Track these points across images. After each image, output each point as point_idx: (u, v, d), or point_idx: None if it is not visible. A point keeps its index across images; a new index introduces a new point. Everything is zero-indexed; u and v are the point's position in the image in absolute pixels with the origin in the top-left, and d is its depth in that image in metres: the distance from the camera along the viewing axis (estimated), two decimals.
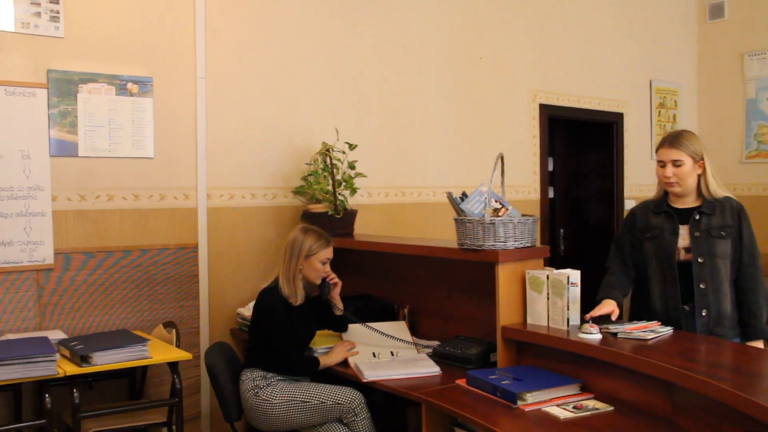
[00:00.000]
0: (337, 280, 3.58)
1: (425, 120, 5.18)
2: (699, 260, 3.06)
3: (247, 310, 4.13)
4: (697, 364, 2.43)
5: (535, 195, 5.97)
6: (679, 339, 2.83)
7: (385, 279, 4.24)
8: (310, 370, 3.33)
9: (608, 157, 6.70)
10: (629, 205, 6.63)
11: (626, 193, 6.71)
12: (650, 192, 6.99)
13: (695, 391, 2.28)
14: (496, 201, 3.27)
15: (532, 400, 2.68)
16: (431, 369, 3.18)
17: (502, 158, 3.30)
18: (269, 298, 3.36)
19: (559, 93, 6.10)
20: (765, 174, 6.91)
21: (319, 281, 3.47)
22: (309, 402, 3.17)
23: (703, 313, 3.06)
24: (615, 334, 2.87)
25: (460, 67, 5.38)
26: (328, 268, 3.48)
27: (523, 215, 3.27)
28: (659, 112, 7.02)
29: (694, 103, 7.42)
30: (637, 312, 3.30)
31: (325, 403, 3.16)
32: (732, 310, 3.09)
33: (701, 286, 3.06)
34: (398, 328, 3.65)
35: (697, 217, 3.10)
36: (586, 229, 6.89)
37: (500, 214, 3.23)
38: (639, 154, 6.84)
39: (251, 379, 3.27)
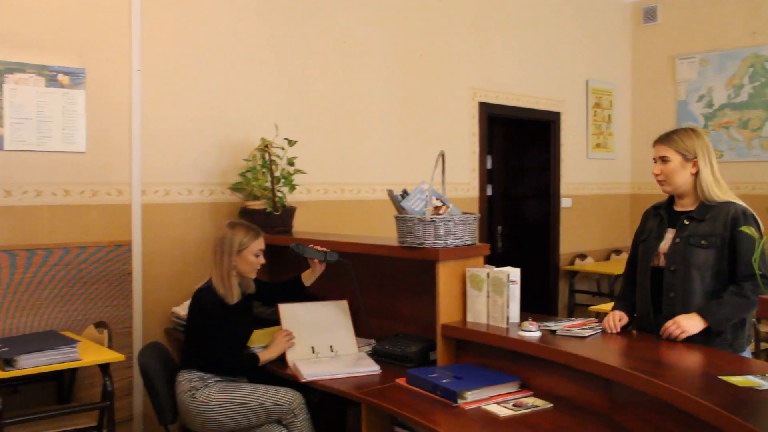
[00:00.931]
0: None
1: (365, 116, 5.15)
2: (671, 268, 2.86)
3: (183, 309, 4.03)
4: (634, 361, 2.47)
5: (474, 192, 6.00)
6: (616, 336, 2.87)
7: (325, 277, 4.19)
8: (250, 369, 3.26)
9: (545, 155, 6.79)
10: (566, 203, 6.75)
11: (563, 191, 6.82)
12: (586, 190, 7.20)
13: (632, 387, 2.31)
14: (436, 199, 3.26)
15: (473, 398, 2.68)
16: (371, 368, 3.15)
17: (443, 156, 3.29)
18: (204, 299, 3.29)
19: (499, 91, 6.15)
20: None
21: (254, 275, 3.41)
22: (248, 404, 3.10)
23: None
24: (554, 332, 2.89)
25: (401, 64, 5.37)
26: (262, 259, 3.41)
27: (464, 213, 3.27)
28: (595, 111, 7.15)
29: (629, 104, 7.58)
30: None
31: (264, 404, 3.10)
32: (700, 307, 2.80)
33: (670, 294, 2.85)
34: (340, 308, 3.63)
35: (686, 222, 2.89)
36: (524, 227, 6.98)
37: (441, 212, 3.22)
38: (575, 152, 6.96)
39: (188, 380, 3.18)
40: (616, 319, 2.96)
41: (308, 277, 3.61)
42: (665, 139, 2.96)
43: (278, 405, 3.11)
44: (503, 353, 2.95)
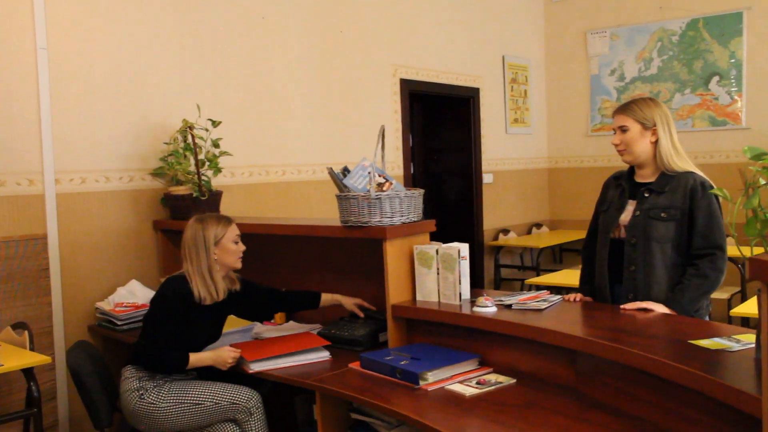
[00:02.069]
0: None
1: (287, 95, 4.96)
2: (632, 241, 2.82)
3: (107, 304, 3.78)
4: (599, 330, 2.43)
5: (399, 171, 5.91)
6: (573, 307, 2.84)
7: (258, 263, 4.01)
8: (176, 368, 2.96)
9: (465, 132, 6.77)
10: (488, 179, 6.76)
11: (484, 167, 6.82)
12: (506, 165, 7.24)
13: (601, 357, 2.27)
14: (380, 175, 3.14)
15: (434, 378, 2.59)
16: (320, 354, 3.01)
17: (383, 131, 3.17)
18: (171, 286, 3.01)
19: (419, 68, 6.07)
20: (608, 146, 7.13)
21: (239, 263, 3.11)
22: (202, 404, 2.88)
23: (629, 297, 2.81)
24: (509, 306, 2.83)
25: (321, 40, 5.20)
26: (242, 245, 3.13)
27: (409, 189, 3.16)
28: (512, 87, 7.18)
29: (543, 79, 7.66)
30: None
31: (220, 404, 2.89)
32: (665, 299, 2.76)
33: (631, 268, 2.82)
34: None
35: (646, 194, 2.85)
36: (445, 205, 6.95)
37: (385, 188, 3.10)
38: (495, 128, 6.97)
39: (136, 378, 2.94)
40: (577, 298, 2.94)
41: (328, 302, 3.33)
42: (624, 108, 2.93)
43: (234, 404, 2.90)
44: (457, 331, 2.88)
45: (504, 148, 7.12)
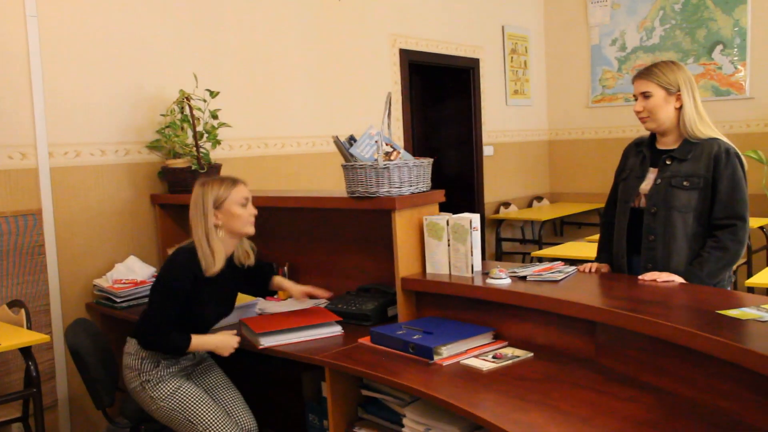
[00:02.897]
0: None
1: (285, 66, 4.83)
2: (652, 210, 2.72)
3: (105, 281, 3.68)
4: (620, 301, 2.34)
5: (399, 142, 5.78)
6: (590, 277, 2.75)
7: (259, 238, 3.91)
8: (176, 350, 2.76)
9: (465, 103, 6.65)
10: (488, 151, 6.66)
11: (484, 139, 6.72)
12: (506, 138, 7.12)
13: (624, 328, 2.19)
14: (387, 144, 3.04)
15: (448, 353, 2.50)
16: (332, 329, 2.91)
17: (390, 99, 3.06)
18: (178, 259, 2.77)
19: (419, 38, 5.93)
20: (610, 117, 7.16)
21: (250, 229, 2.82)
22: (195, 424, 2.72)
23: (648, 267, 2.71)
24: (524, 278, 2.74)
25: (320, 9, 5.06)
26: (253, 208, 2.83)
27: (417, 158, 3.06)
28: (512, 58, 7.05)
29: (543, 50, 7.53)
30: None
31: (209, 429, 2.73)
32: (684, 271, 2.67)
33: (650, 238, 2.73)
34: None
35: (668, 162, 2.74)
36: (445, 178, 6.82)
37: (392, 158, 2.99)
38: (495, 100, 6.86)
39: (138, 358, 2.77)
40: (593, 268, 2.86)
41: (275, 287, 3.14)
42: (646, 73, 2.79)
43: None
44: (469, 304, 2.79)
45: (504, 120, 7.00)
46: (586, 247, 5.01)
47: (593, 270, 2.86)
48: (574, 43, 7.35)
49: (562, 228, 7.47)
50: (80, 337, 2.97)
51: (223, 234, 2.78)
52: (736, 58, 6.50)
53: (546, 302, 2.45)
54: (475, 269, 2.86)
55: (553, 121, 7.59)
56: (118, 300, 3.57)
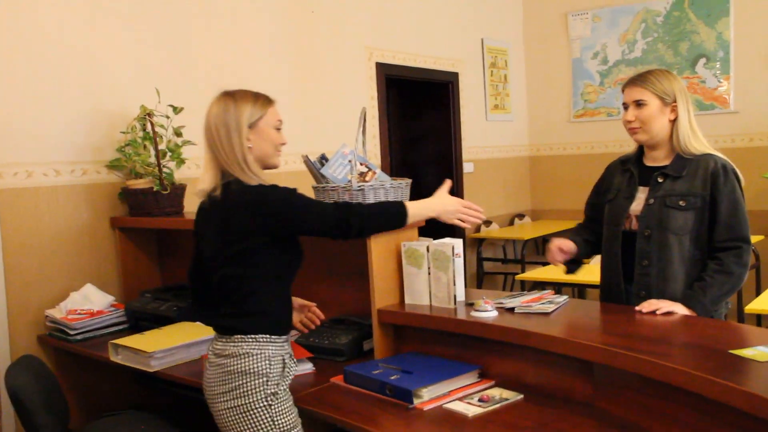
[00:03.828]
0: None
1: (255, 79, 4.56)
2: (645, 233, 2.53)
3: (59, 312, 3.40)
4: (620, 338, 2.11)
5: (376, 160, 5.57)
6: (581, 309, 2.53)
7: None
8: (400, 220, 2.38)
9: (444, 119, 6.45)
10: (468, 168, 6.46)
11: (464, 156, 6.51)
12: (486, 154, 6.92)
13: (626, 370, 1.96)
14: (361, 164, 2.81)
15: (429, 396, 2.26)
16: (302, 367, 2.65)
17: (365, 114, 2.83)
18: (267, 185, 2.24)
19: (396, 51, 5.72)
20: (592, 132, 6.99)
21: (277, 159, 2.38)
22: None
23: (642, 295, 2.52)
24: (511, 309, 2.51)
25: (292, 21, 4.83)
26: (283, 136, 2.41)
27: (394, 179, 2.83)
28: (491, 72, 6.87)
29: (523, 63, 7.35)
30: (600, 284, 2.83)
31: None
32: (683, 296, 2.47)
33: (644, 263, 2.53)
34: None
35: (660, 179, 2.54)
36: (424, 196, 6.59)
37: (368, 178, 2.77)
38: (475, 115, 6.66)
39: (264, 357, 2.16)
40: (555, 250, 2.69)
41: None
42: (640, 80, 2.58)
43: None
44: (452, 338, 2.55)
45: (484, 136, 6.81)
46: None
47: (556, 253, 2.70)
48: (554, 56, 7.19)
49: (544, 247, 7.26)
50: (22, 378, 2.67)
51: (252, 159, 2.28)
52: (719, 72, 6.36)
53: (537, 339, 2.22)
54: (458, 299, 2.63)
55: (534, 136, 7.41)
56: (72, 332, 3.29)
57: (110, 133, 3.74)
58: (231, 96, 2.31)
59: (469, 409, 2.16)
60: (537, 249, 7.25)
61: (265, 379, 2.16)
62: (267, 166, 2.35)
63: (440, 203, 2.51)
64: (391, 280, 2.74)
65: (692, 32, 6.46)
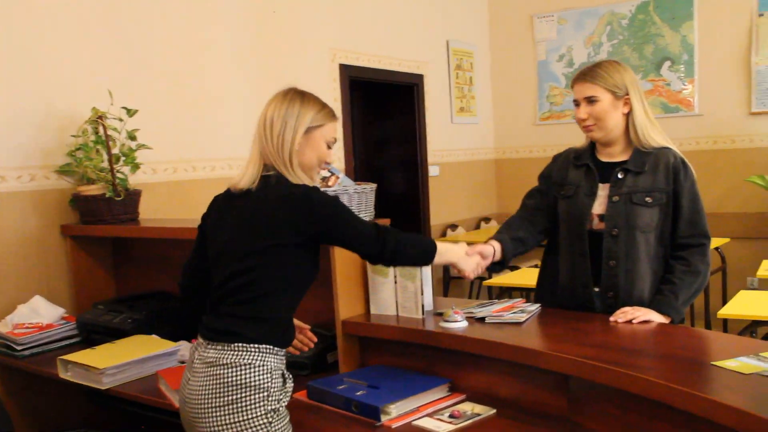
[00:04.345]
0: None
1: (215, 82, 4.43)
2: (612, 233, 2.42)
3: (5, 326, 3.22)
4: (596, 349, 2.01)
5: (340, 165, 5.45)
6: (554, 318, 2.43)
7: (180, 271, 3.52)
8: (430, 255, 2.24)
9: (410, 122, 6.33)
10: (434, 171, 6.36)
11: (430, 159, 6.41)
12: (452, 157, 6.83)
13: (605, 384, 1.86)
14: (324, 168, 2.67)
15: (397, 412, 2.14)
16: None
17: None
18: (306, 189, 2.09)
19: (359, 53, 5.60)
20: (558, 135, 6.93)
21: (317, 174, 2.30)
22: None
23: (609, 296, 2.44)
24: (482, 319, 2.40)
25: (253, 21, 4.68)
26: (332, 154, 2.27)
27: (358, 183, 2.71)
28: (457, 74, 6.78)
29: (489, 66, 7.28)
30: (543, 285, 2.73)
31: None
32: (650, 297, 2.41)
33: (611, 263, 2.43)
34: None
35: (620, 175, 2.44)
36: (389, 200, 6.49)
37: (330, 183, 2.65)
38: (440, 118, 6.56)
39: (266, 369, 1.99)
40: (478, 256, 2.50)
41: None
42: (589, 75, 2.47)
43: None
44: (421, 350, 2.44)
45: (450, 139, 6.72)
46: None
47: (481, 253, 2.51)
48: (520, 58, 7.13)
49: None
50: None
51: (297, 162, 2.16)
52: (683, 75, 6.35)
53: (510, 351, 2.11)
54: (426, 309, 2.52)
55: (499, 139, 7.34)
56: (20, 348, 3.11)
57: (60, 136, 3.56)
58: (300, 94, 2.22)
59: (440, 426, 2.05)
60: None
61: (266, 393, 1.97)
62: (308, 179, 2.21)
63: (462, 252, 2.42)
64: (356, 289, 2.63)
65: (657, 35, 6.44)
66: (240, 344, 2.00)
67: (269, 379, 1.99)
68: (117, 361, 2.73)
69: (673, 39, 6.37)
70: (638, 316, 2.26)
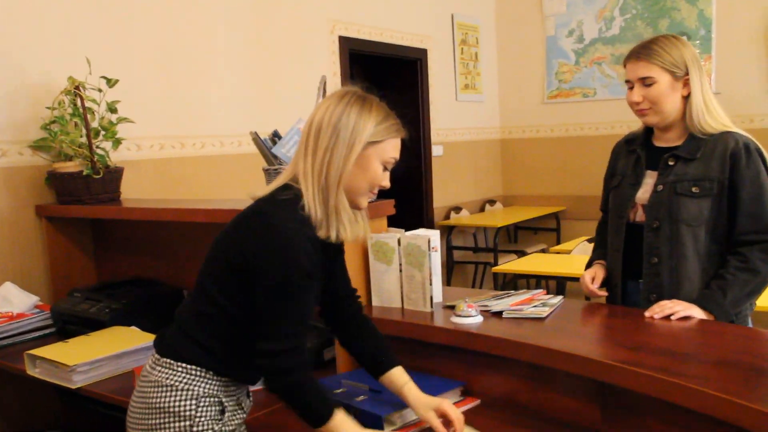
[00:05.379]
0: None
1: (207, 53, 4.13)
2: (654, 225, 2.17)
3: None
4: (632, 352, 1.73)
5: None
6: (581, 313, 2.15)
7: (167, 256, 3.25)
8: (317, 412, 1.67)
9: (412, 99, 6.02)
10: (437, 151, 6.08)
11: (433, 138, 6.11)
12: (456, 136, 6.54)
13: (647, 395, 1.59)
14: None
15: (403, 421, 1.88)
16: None
17: (324, 83, 2.43)
18: (283, 228, 1.63)
19: (360, 24, 5.29)
20: (567, 114, 6.64)
21: (365, 200, 1.80)
22: None
23: (652, 299, 2.16)
24: (499, 313, 2.13)
25: None
26: (387, 179, 1.82)
27: None
28: (462, 49, 6.47)
29: (495, 41, 6.97)
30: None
31: None
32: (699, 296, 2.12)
33: (653, 260, 2.17)
34: None
35: (671, 162, 2.18)
36: (391, 181, 6.19)
37: None
38: (444, 95, 6.26)
39: (192, 396, 1.70)
40: (588, 282, 2.27)
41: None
42: (645, 53, 2.17)
43: None
44: (429, 349, 2.16)
45: (454, 118, 6.42)
46: (549, 261, 4.48)
47: (589, 284, 2.28)
48: (528, 34, 6.81)
49: (516, 234, 6.93)
50: None
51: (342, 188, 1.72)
52: (700, 51, 6.03)
53: (533, 352, 1.83)
54: (434, 301, 2.24)
55: (506, 118, 7.04)
56: None
57: (34, 108, 3.26)
58: (360, 100, 1.76)
59: None
60: (509, 236, 6.90)
61: (188, 423, 1.67)
62: (351, 207, 1.76)
63: None
64: (357, 277, 2.34)
65: (672, 9, 6.12)
66: (168, 360, 1.72)
67: (193, 407, 1.68)
68: (90, 356, 2.45)
69: (690, 13, 6.05)
70: (678, 311, 1.99)
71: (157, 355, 1.76)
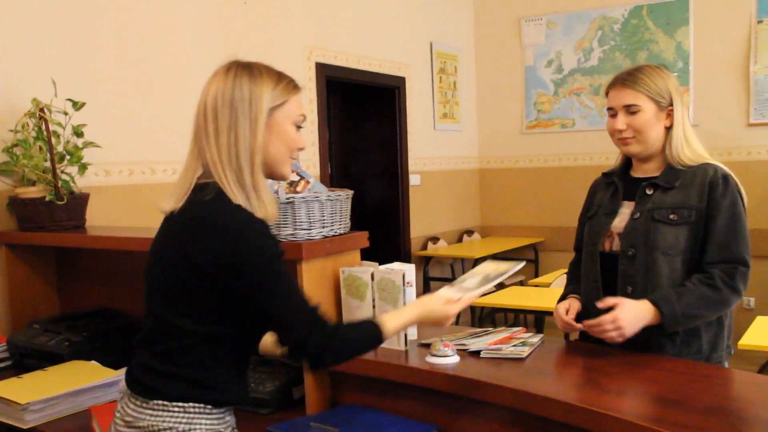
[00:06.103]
0: None
1: (179, 77, 4.02)
2: (629, 253, 2.10)
3: None
4: (626, 399, 1.63)
5: (315, 170, 5.06)
6: (562, 352, 2.06)
7: (133, 287, 3.10)
8: (374, 343, 1.71)
9: (390, 127, 5.97)
10: (414, 180, 6.01)
11: (411, 167, 6.04)
12: (434, 165, 6.47)
13: None
14: (293, 171, 2.29)
15: None
16: None
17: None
18: (232, 220, 1.54)
19: (338, 51, 5.23)
20: (545, 144, 6.61)
21: (288, 169, 1.70)
22: None
23: None
24: (477, 353, 2.03)
25: (222, 10, 4.29)
26: (302, 138, 1.73)
27: (332, 190, 2.33)
28: (440, 78, 6.43)
29: (474, 70, 6.95)
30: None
31: None
32: (681, 335, 2.05)
33: (628, 289, 2.08)
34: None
35: (649, 191, 2.12)
36: (368, 210, 6.12)
37: (299, 189, 2.26)
38: (422, 124, 6.21)
39: (183, 411, 1.58)
40: (562, 313, 2.16)
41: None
42: (631, 80, 2.12)
43: None
44: (403, 390, 2.05)
45: (432, 147, 6.36)
46: (527, 294, 4.39)
47: (570, 310, 2.17)
48: (506, 63, 6.80)
49: None
50: None
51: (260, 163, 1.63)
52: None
53: (514, 397, 1.73)
54: (409, 339, 2.14)
55: (484, 147, 6.99)
56: None
57: None
58: (247, 68, 1.66)
59: None
60: None
61: None
62: (272, 176, 1.69)
63: (423, 308, 1.80)
64: (328, 313, 2.23)
65: (651, 41, 6.14)
66: (161, 402, 1.58)
67: (188, 422, 1.57)
68: (44, 393, 2.31)
69: (668, 45, 6.07)
70: (616, 338, 1.92)
71: (141, 398, 1.60)
